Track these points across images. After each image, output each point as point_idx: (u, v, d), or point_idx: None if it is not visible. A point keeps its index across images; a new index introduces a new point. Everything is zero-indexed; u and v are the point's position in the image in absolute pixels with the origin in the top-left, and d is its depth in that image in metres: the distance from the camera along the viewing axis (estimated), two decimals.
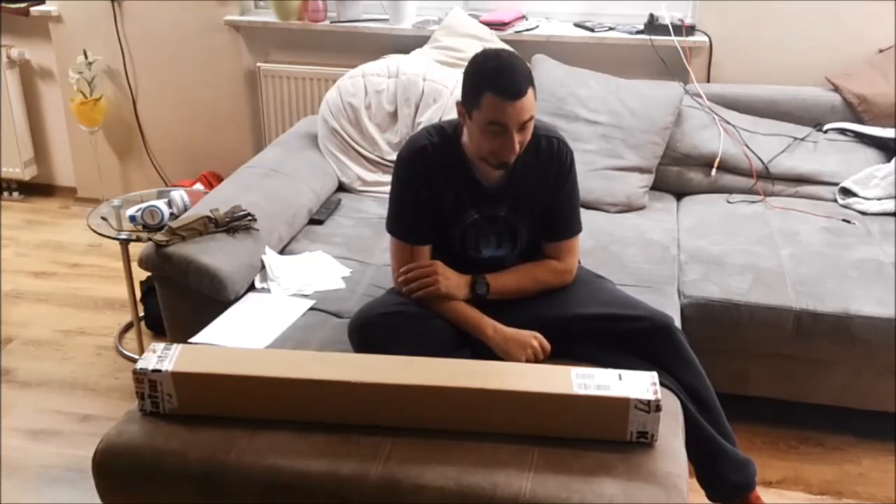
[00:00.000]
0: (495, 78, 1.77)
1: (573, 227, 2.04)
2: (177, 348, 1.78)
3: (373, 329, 1.94)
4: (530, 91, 1.79)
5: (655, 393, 1.64)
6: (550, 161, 1.95)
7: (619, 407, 1.65)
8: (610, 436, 1.68)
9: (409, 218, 2.01)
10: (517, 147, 1.83)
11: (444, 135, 1.96)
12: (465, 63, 1.87)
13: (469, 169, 1.94)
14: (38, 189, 4.31)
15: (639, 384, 1.66)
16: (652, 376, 1.68)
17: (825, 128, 3.11)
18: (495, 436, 1.69)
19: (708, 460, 1.97)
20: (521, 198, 1.98)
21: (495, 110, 1.78)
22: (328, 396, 1.72)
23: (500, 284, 1.98)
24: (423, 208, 1.99)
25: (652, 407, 1.64)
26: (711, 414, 1.96)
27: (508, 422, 1.69)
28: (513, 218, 2.00)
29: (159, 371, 1.71)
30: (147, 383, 1.73)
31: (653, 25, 3.30)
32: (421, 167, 1.96)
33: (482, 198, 1.97)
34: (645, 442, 1.68)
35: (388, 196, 2.07)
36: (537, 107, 2.98)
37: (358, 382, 1.70)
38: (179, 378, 1.72)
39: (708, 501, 2.05)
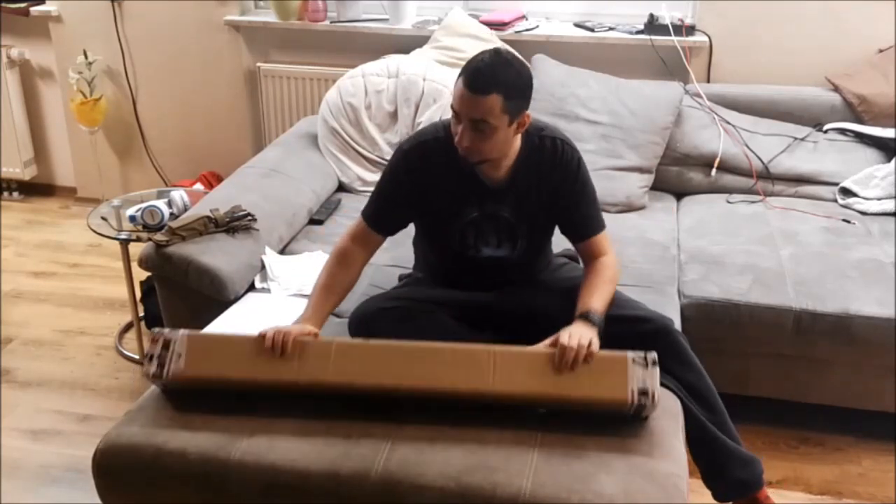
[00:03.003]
0: (471, 68, 1.79)
1: (599, 223, 2.02)
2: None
3: (375, 322, 1.95)
4: (495, 97, 1.76)
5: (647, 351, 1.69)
6: (554, 162, 1.95)
7: (617, 361, 1.68)
8: (611, 394, 1.67)
9: (380, 209, 2.02)
10: (465, 141, 1.82)
11: (450, 131, 1.97)
12: (465, 63, 1.87)
13: (472, 166, 1.93)
14: (38, 189, 4.31)
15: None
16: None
17: (825, 128, 3.11)
18: (495, 436, 1.69)
19: (713, 459, 1.97)
20: (523, 198, 1.97)
21: (456, 95, 1.80)
22: (338, 358, 1.75)
23: (600, 307, 1.87)
24: (399, 204, 2.00)
25: (649, 361, 1.67)
26: (715, 414, 1.96)
27: (510, 383, 1.70)
28: (514, 218, 1.99)
29: (176, 331, 1.77)
30: (161, 342, 1.77)
31: (653, 25, 3.30)
32: (416, 163, 1.96)
33: (484, 196, 1.97)
34: (646, 406, 1.66)
35: None
36: (537, 107, 3.02)
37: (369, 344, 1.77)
38: (194, 339, 1.78)
39: (709, 502, 2.05)
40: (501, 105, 1.77)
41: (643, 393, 1.66)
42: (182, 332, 1.79)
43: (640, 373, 1.67)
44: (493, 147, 1.84)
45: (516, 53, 1.86)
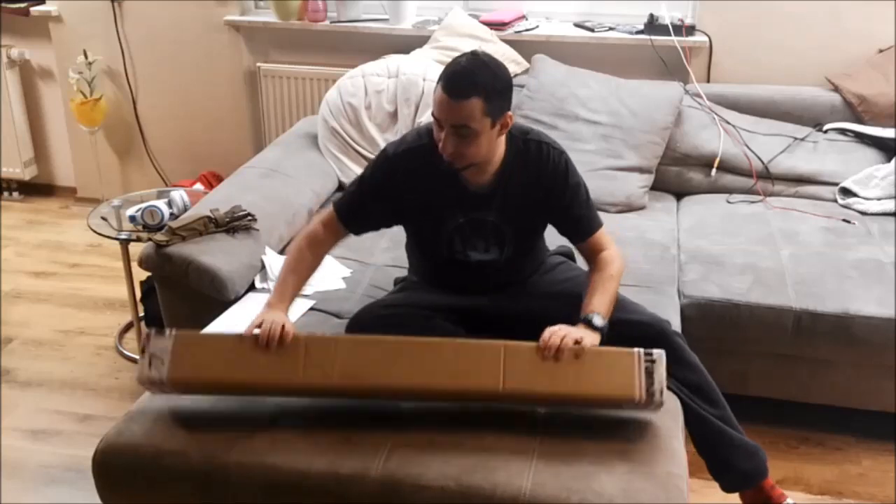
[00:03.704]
0: (448, 74, 1.78)
1: (596, 222, 2.01)
2: None
3: (372, 328, 1.95)
4: (476, 101, 1.75)
5: None
6: (540, 166, 1.93)
7: (621, 350, 1.75)
8: (619, 354, 1.72)
9: (354, 208, 2.01)
10: (449, 147, 1.81)
11: (434, 137, 1.95)
12: (443, 69, 1.86)
13: (455, 172, 1.92)
14: (38, 189, 4.31)
15: None
16: None
17: (825, 128, 3.11)
18: (495, 436, 1.70)
19: (718, 452, 1.97)
20: (509, 202, 1.96)
21: (436, 102, 1.80)
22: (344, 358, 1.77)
23: (603, 308, 1.87)
24: (374, 207, 1.99)
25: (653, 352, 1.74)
26: (717, 408, 1.97)
27: (522, 373, 1.72)
28: (501, 222, 1.98)
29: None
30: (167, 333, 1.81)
31: (653, 25, 3.30)
32: (399, 169, 1.95)
33: (469, 201, 1.96)
34: (655, 365, 1.69)
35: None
36: (537, 107, 3.04)
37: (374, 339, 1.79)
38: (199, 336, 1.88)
39: (709, 501, 2.05)
40: (482, 108, 1.76)
41: (648, 354, 1.70)
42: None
43: (643, 352, 1.73)
44: (478, 151, 1.83)
45: (493, 55, 1.85)
